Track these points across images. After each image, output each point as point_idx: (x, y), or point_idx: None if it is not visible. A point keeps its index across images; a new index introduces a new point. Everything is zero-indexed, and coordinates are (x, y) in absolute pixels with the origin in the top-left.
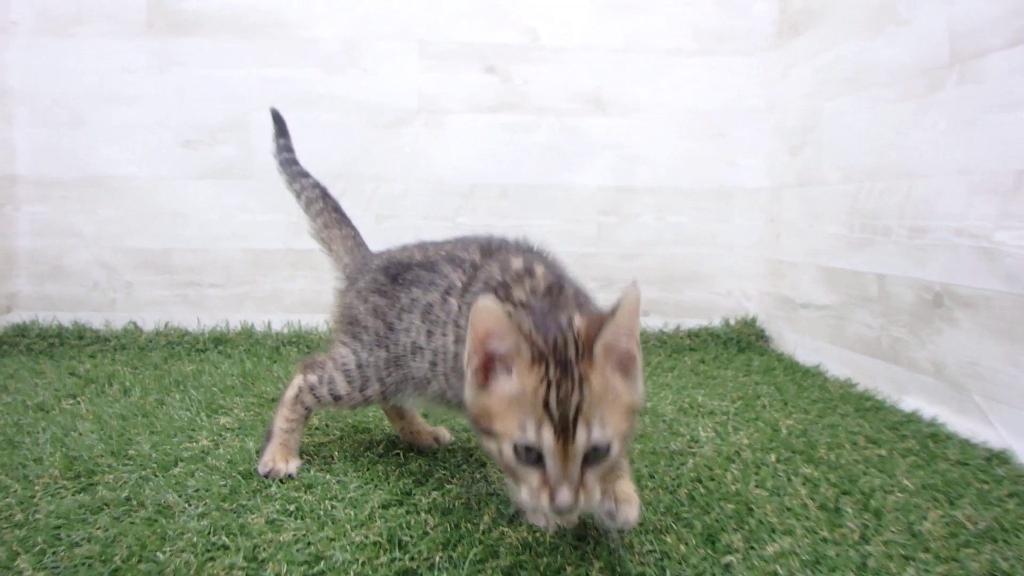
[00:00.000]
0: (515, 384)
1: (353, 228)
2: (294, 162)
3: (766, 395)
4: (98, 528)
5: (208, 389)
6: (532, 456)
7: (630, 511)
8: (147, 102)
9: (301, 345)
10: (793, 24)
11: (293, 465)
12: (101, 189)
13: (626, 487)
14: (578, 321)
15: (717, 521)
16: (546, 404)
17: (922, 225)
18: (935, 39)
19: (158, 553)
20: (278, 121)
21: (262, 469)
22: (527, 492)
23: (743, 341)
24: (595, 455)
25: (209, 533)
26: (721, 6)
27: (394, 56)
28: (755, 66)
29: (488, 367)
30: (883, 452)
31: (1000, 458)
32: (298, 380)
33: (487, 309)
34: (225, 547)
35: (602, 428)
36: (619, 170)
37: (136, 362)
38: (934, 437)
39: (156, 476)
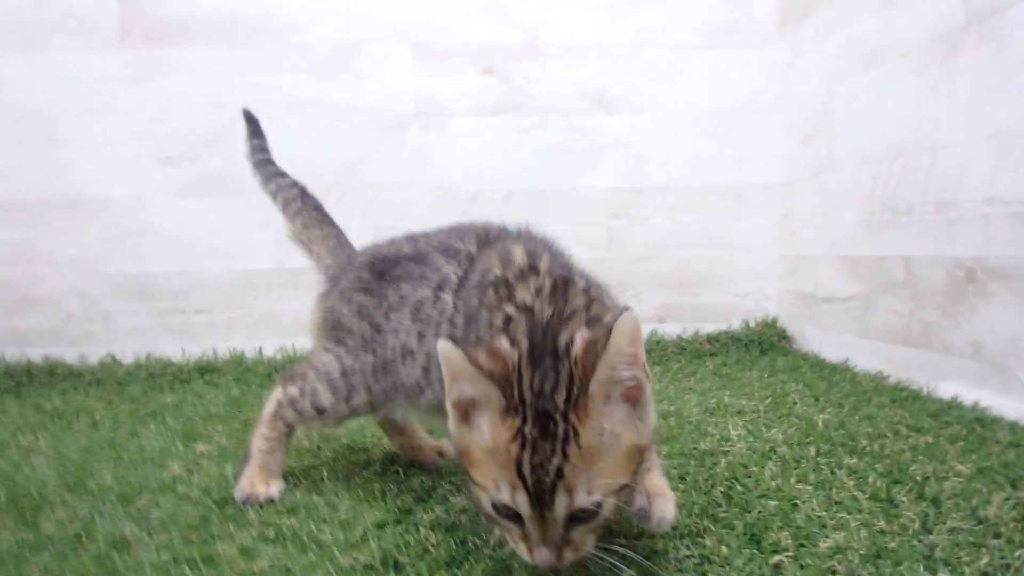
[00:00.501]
0: (487, 435)
1: (336, 227)
2: (269, 162)
3: (795, 392)
4: (36, 568)
5: (188, 419)
6: (511, 512)
7: (666, 507)
8: (124, 116)
9: None
10: (797, 11)
11: (275, 488)
12: (75, 210)
13: (657, 481)
14: (579, 344)
15: (760, 519)
16: (519, 468)
17: (949, 199)
18: (948, 2)
19: None
20: (251, 122)
21: (239, 495)
22: (510, 542)
23: (765, 343)
24: (582, 515)
25: (168, 566)
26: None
27: (388, 59)
28: (762, 58)
29: (465, 409)
30: (929, 439)
31: None
32: (277, 394)
33: (447, 356)
34: None
35: (588, 492)
36: (627, 171)
37: (112, 396)
38: (980, 421)
39: (115, 508)
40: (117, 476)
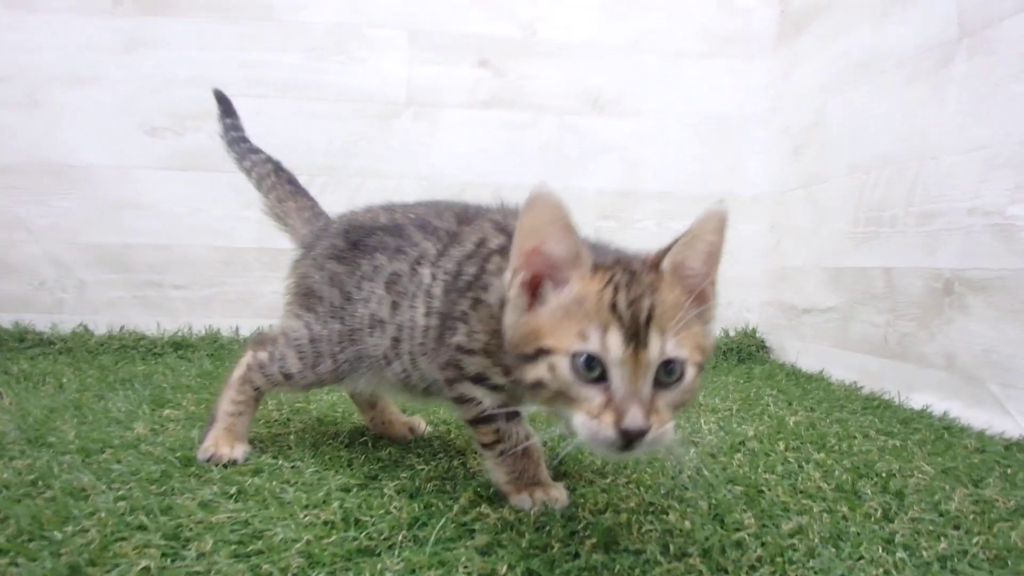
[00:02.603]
0: (574, 291)
1: (311, 199)
2: (243, 139)
3: (769, 396)
4: None
5: (158, 387)
6: (594, 371)
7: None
8: (111, 84)
9: None
10: (795, 24)
11: (239, 451)
12: (55, 177)
13: None
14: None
15: (725, 502)
16: (613, 306)
17: (932, 209)
18: (942, 14)
19: (56, 532)
20: (222, 101)
21: (202, 455)
22: (584, 417)
23: (743, 351)
24: (668, 376)
25: (124, 513)
26: (724, 9)
27: (384, 45)
28: (758, 69)
29: (536, 286)
30: (897, 442)
31: (1019, 445)
32: (247, 358)
33: (544, 198)
34: (142, 527)
35: (678, 342)
36: (619, 174)
37: (81, 363)
38: (948, 429)
39: (75, 460)
40: (80, 433)
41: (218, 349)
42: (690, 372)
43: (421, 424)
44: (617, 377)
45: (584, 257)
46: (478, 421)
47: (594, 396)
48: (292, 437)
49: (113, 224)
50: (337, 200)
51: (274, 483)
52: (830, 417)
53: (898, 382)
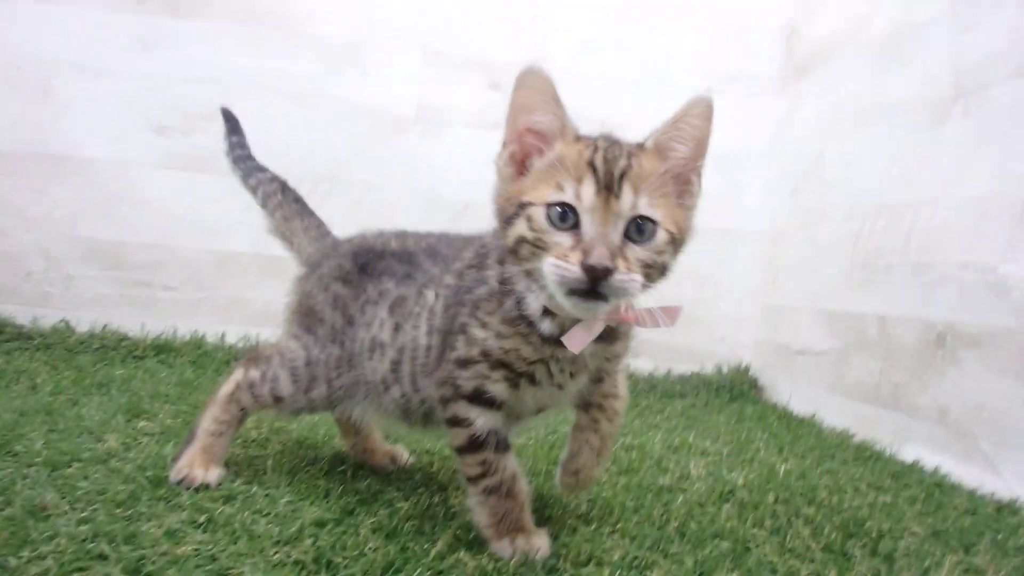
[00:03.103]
0: (555, 153)
1: (317, 218)
2: (248, 158)
3: (760, 440)
4: None
5: (135, 394)
6: (567, 221)
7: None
8: (124, 80)
9: None
10: (801, 66)
11: (214, 474)
12: (56, 167)
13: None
14: None
15: (711, 558)
16: (591, 162)
17: (926, 260)
18: (939, 74)
19: (10, 557)
20: (229, 119)
21: (174, 475)
22: (553, 259)
23: (735, 389)
24: (639, 234)
25: (85, 539)
26: (733, 47)
27: (397, 60)
28: (762, 108)
29: (523, 161)
30: (887, 498)
31: (1011, 508)
32: (237, 375)
33: (534, 73)
34: (102, 556)
35: (651, 202)
36: None
37: (58, 362)
38: (939, 486)
39: (40, 474)
40: (49, 442)
41: (201, 356)
42: (662, 235)
43: (404, 454)
44: (588, 222)
45: (569, 128)
46: (467, 449)
47: (565, 241)
48: (269, 461)
49: (108, 219)
50: (337, 209)
51: (246, 513)
52: (821, 467)
53: (890, 432)
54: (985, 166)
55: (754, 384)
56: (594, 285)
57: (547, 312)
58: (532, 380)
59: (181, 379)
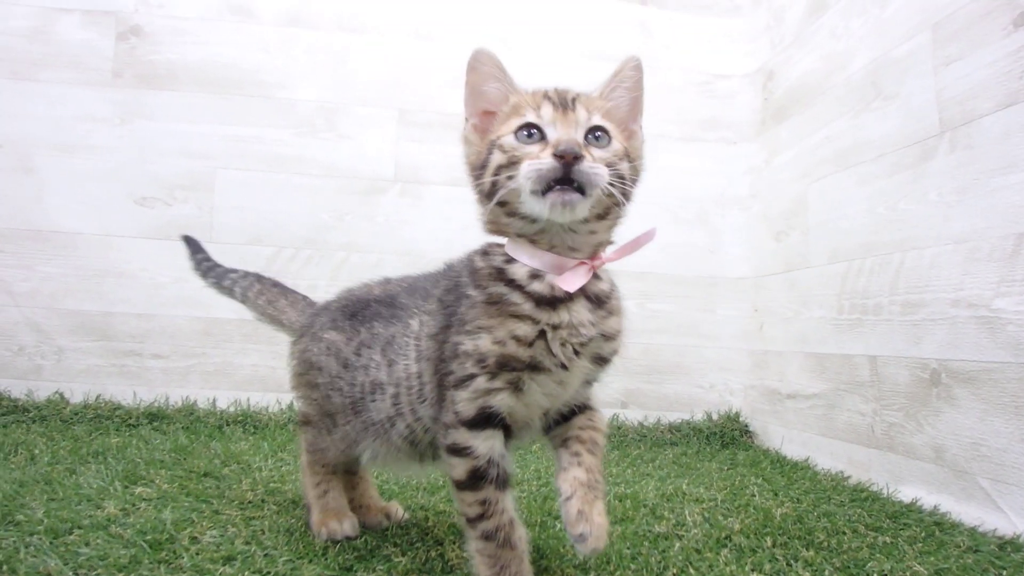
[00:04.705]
0: (512, 102)
1: (300, 294)
2: (216, 266)
3: (754, 485)
4: None
5: (131, 461)
6: (533, 136)
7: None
8: (104, 154)
9: (248, 425)
10: (777, 111)
11: (348, 524)
12: (42, 242)
13: (599, 517)
14: None
15: None
16: (545, 94)
17: (916, 299)
18: (923, 110)
19: None
20: (190, 243)
21: (320, 537)
22: (527, 162)
23: (726, 436)
24: (597, 141)
25: None
26: (707, 94)
27: (373, 122)
28: (740, 154)
29: (485, 130)
30: (887, 539)
31: (1014, 545)
32: (301, 441)
33: (481, 54)
34: None
35: (601, 118)
36: None
37: (55, 433)
38: (939, 525)
39: (42, 542)
40: (49, 511)
41: (194, 421)
42: (617, 144)
43: (399, 510)
44: (551, 130)
45: (519, 90)
46: (467, 485)
47: (536, 149)
48: (266, 522)
49: (95, 292)
50: (320, 273)
51: (246, 573)
52: (817, 510)
53: (886, 473)
54: (974, 201)
55: (745, 430)
56: (567, 172)
57: (535, 275)
58: (535, 369)
59: (175, 445)
